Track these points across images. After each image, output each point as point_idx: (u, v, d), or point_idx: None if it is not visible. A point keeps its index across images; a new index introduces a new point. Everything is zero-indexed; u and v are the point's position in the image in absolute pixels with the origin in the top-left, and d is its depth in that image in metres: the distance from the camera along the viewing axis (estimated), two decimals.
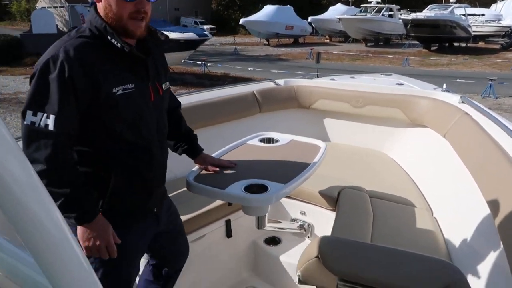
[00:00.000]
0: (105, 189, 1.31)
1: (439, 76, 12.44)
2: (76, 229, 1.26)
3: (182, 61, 13.79)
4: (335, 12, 29.65)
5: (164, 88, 1.47)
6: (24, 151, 1.13)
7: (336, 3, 34.50)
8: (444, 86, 3.27)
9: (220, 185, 1.55)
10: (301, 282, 1.21)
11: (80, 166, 1.29)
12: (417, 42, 24.36)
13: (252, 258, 2.54)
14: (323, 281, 1.16)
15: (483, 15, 29.74)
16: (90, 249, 1.25)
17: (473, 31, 25.02)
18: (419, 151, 2.92)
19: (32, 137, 1.15)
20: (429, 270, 1.02)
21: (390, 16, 27.64)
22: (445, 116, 2.65)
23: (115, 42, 1.24)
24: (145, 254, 1.64)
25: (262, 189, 1.53)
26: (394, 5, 28.52)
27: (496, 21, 28.52)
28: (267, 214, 1.95)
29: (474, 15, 28.30)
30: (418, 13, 23.46)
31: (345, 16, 26.20)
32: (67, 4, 23.71)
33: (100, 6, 1.27)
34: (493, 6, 34.14)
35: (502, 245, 1.44)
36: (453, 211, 2.09)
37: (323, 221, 2.35)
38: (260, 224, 1.98)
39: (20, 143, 1.19)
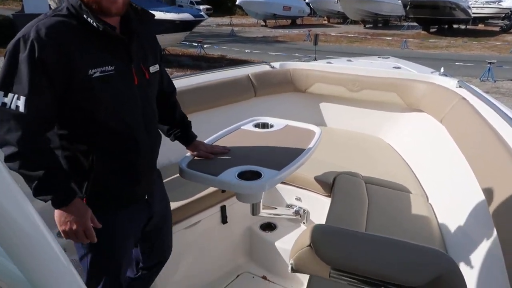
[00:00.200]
0: (88, 174, 1.28)
1: (437, 59, 12.35)
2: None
3: (178, 42, 13.59)
4: None
5: (151, 71, 1.40)
6: None
7: None
8: (442, 70, 3.23)
9: (213, 172, 1.53)
10: (294, 270, 1.21)
11: (63, 150, 1.27)
12: (416, 24, 24.06)
13: (248, 244, 2.54)
14: (316, 269, 1.15)
15: None
16: (67, 233, 1.23)
17: (473, 13, 24.74)
18: (416, 136, 2.90)
19: (3, 119, 1.11)
20: (421, 259, 1.02)
21: None
22: (442, 101, 2.62)
23: (91, 21, 1.18)
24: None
25: (256, 175, 1.51)
26: None
27: (496, 3, 28.18)
28: (261, 200, 1.94)
29: None
30: None
31: None
32: None
33: None
34: None
35: (496, 232, 1.43)
36: (448, 197, 2.09)
37: (319, 207, 2.34)
38: (254, 210, 1.97)
39: None
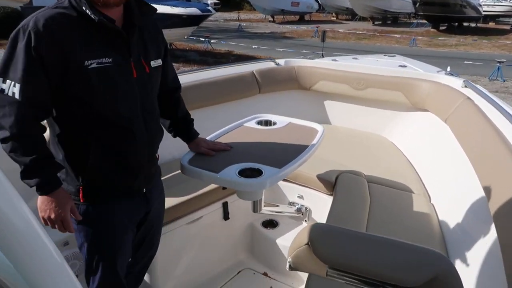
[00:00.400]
0: (84, 164, 1.30)
1: (446, 58, 12.22)
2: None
3: (185, 37, 13.58)
4: None
5: (152, 66, 1.40)
6: None
7: None
8: (448, 69, 3.21)
9: (214, 169, 1.54)
10: (292, 268, 1.22)
11: (59, 140, 1.30)
12: (425, 21, 23.79)
13: (249, 240, 2.55)
14: (313, 268, 1.16)
15: None
16: (45, 220, 1.28)
17: (484, 11, 24.38)
18: (420, 135, 2.89)
19: (0, 104, 1.17)
20: (417, 260, 1.02)
21: None
22: (447, 100, 2.60)
23: (89, 13, 1.20)
24: None
25: (257, 173, 1.52)
26: None
27: (508, 0, 27.71)
28: (262, 198, 1.95)
29: None
30: None
31: None
32: None
33: None
34: None
35: (496, 235, 1.43)
36: (451, 198, 2.08)
37: (321, 205, 2.35)
38: (255, 208, 1.98)
39: None
